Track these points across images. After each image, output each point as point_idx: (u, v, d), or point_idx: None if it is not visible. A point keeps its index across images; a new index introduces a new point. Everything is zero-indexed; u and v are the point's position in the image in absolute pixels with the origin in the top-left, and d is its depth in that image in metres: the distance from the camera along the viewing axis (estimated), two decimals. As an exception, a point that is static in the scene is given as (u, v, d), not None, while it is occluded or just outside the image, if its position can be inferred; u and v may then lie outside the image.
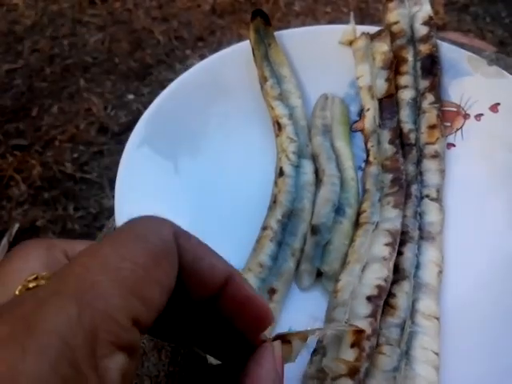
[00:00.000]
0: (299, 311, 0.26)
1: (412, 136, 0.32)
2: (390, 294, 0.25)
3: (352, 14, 0.37)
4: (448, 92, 0.34)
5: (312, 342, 0.23)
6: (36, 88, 1.04)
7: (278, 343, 0.16)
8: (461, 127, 0.33)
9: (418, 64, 0.34)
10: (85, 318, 0.11)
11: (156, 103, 0.30)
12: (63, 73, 1.08)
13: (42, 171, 0.91)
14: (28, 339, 0.10)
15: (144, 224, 0.14)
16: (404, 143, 0.32)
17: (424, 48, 0.34)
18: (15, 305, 0.12)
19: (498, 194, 0.30)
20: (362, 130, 0.35)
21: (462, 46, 0.43)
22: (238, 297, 0.15)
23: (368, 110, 0.34)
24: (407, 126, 0.33)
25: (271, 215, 0.30)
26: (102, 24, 1.18)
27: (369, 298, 0.23)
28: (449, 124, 0.33)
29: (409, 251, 0.27)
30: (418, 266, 0.26)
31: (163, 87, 0.33)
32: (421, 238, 0.28)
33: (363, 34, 0.36)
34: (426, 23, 0.34)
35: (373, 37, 0.36)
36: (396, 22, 0.35)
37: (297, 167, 0.32)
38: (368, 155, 0.33)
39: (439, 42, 0.34)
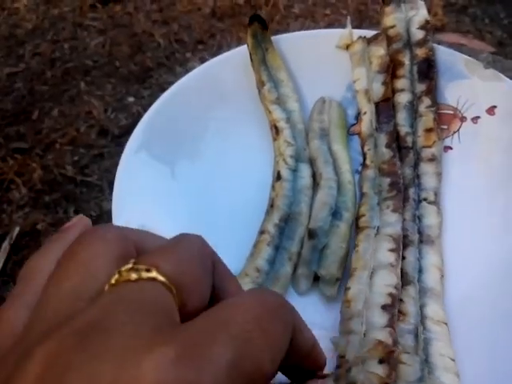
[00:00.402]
0: (296, 315, 0.26)
1: (409, 139, 0.32)
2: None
3: (349, 18, 0.37)
4: (445, 95, 0.34)
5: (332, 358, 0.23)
6: (37, 91, 1.05)
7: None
8: (458, 130, 0.33)
9: (415, 68, 0.34)
10: (243, 367, 0.11)
11: (154, 108, 0.30)
12: (64, 76, 1.08)
13: (42, 174, 0.91)
14: (200, 364, 0.10)
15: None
16: (401, 146, 0.32)
17: (420, 52, 0.34)
18: (176, 328, 0.11)
19: (495, 196, 0.30)
20: (359, 134, 0.35)
21: (460, 46, 0.43)
22: (304, 347, 0.15)
23: (365, 113, 0.34)
24: (404, 129, 0.33)
25: (268, 219, 0.30)
26: (103, 27, 1.18)
27: (383, 307, 0.24)
28: (446, 127, 0.34)
29: (410, 255, 0.27)
30: (420, 270, 0.27)
31: (163, 90, 0.33)
32: (420, 241, 0.28)
33: (360, 37, 0.36)
34: (422, 27, 0.35)
35: (369, 41, 0.36)
36: (392, 26, 0.35)
37: (294, 171, 0.32)
38: (365, 159, 0.33)
39: (436, 45, 0.35)
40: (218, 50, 1.15)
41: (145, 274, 0.12)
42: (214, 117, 0.33)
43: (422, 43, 0.34)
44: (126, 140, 0.30)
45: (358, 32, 0.36)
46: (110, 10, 1.23)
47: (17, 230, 0.85)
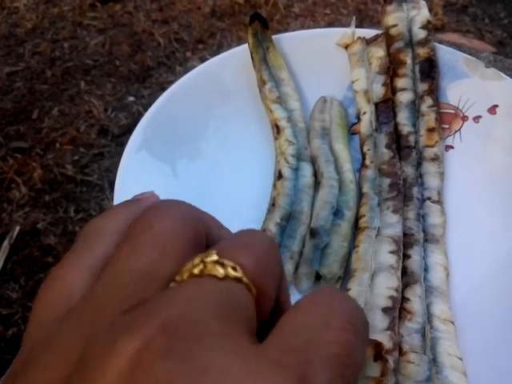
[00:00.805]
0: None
1: (411, 139, 0.32)
2: (404, 299, 0.25)
3: (354, 18, 0.37)
4: (446, 94, 0.34)
5: None
6: (37, 90, 1.05)
7: None
8: (459, 129, 0.33)
9: (417, 67, 0.34)
10: None
11: (154, 108, 0.30)
12: (64, 75, 1.08)
13: (42, 174, 0.91)
14: None
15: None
16: (403, 145, 0.32)
17: (422, 52, 0.34)
18: (270, 346, 0.10)
19: (497, 195, 0.30)
20: (359, 133, 0.35)
21: (460, 46, 0.43)
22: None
23: (364, 113, 0.34)
24: (406, 128, 0.33)
25: (270, 218, 0.30)
26: (103, 27, 1.18)
27: (384, 310, 0.23)
28: (447, 126, 0.34)
29: (416, 254, 0.27)
30: (426, 269, 0.27)
31: (163, 89, 0.33)
32: (425, 240, 0.28)
33: (359, 38, 0.36)
34: (424, 27, 0.35)
35: (369, 41, 0.36)
36: (394, 25, 0.35)
37: (296, 170, 0.32)
38: (364, 159, 0.33)
39: (437, 44, 0.35)
40: (218, 49, 1.15)
41: (232, 273, 0.11)
42: (214, 116, 0.33)
43: (423, 43, 0.34)
44: (126, 139, 0.30)
45: (359, 31, 0.36)
46: (110, 9, 1.24)
47: (17, 229, 0.85)
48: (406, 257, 0.27)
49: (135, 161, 0.28)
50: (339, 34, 0.36)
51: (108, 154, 0.94)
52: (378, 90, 0.34)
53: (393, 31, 0.35)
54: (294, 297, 0.27)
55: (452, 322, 0.24)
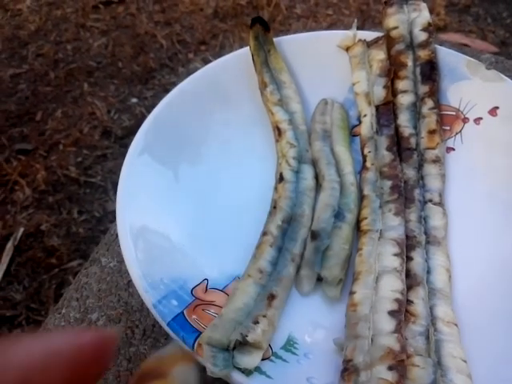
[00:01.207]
0: (299, 316, 0.27)
1: (412, 140, 0.32)
2: (407, 301, 0.25)
3: (355, 21, 0.37)
4: (447, 96, 0.34)
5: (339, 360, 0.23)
6: (40, 92, 1.05)
7: None
8: (460, 131, 0.33)
9: (418, 69, 0.34)
10: None
11: (155, 112, 0.30)
12: (67, 77, 1.08)
13: (46, 175, 0.91)
14: None
15: None
16: (404, 148, 0.32)
17: (423, 54, 0.34)
18: None
19: (498, 197, 0.30)
20: (360, 135, 0.35)
21: (463, 46, 0.43)
22: None
23: (365, 115, 0.35)
24: (407, 130, 0.33)
25: (271, 221, 0.30)
26: (106, 29, 1.19)
27: (391, 313, 0.23)
28: (448, 128, 0.34)
29: (418, 256, 0.27)
30: (428, 271, 0.27)
31: (166, 91, 0.33)
32: (427, 242, 0.28)
33: (360, 40, 0.36)
34: (424, 29, 0.35)
35: (369, 44, 0.36)
36: (395, 28, 0.35)
37: (297, 172, 0.32)
38: (365, 161, 0.33)
39: (438, 46, 0.35)
40: (221, 51, 1.15)
41: None
42: (216, 120, 0.33)
43: (424, 45, 0.34)
44: (130, 141, 0.30)
45: (360, 34, 0.36)
46: (113, 10, 1.24)
47: (21, 230, 0.86)
48: (408, 259, 0.27)
49: (137, 164, 0.28)
50: (340, 37, 0.36)
51: (111, 155, 0.94)
52: (379, 93, 0.34)
53: (394, 33, 0.35)
54: (296, 299, 0.28)
55: (455, 325, 0.24)
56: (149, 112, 0.32)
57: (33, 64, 1.13)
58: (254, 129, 0.35)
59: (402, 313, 0.24)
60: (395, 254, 0.27)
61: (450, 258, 0.28)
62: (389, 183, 0.31)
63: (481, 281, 0.27)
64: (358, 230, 0.30)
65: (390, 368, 0.21)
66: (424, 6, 0.35)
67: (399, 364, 0.21)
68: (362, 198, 0.31)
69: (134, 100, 1.04)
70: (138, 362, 0.27)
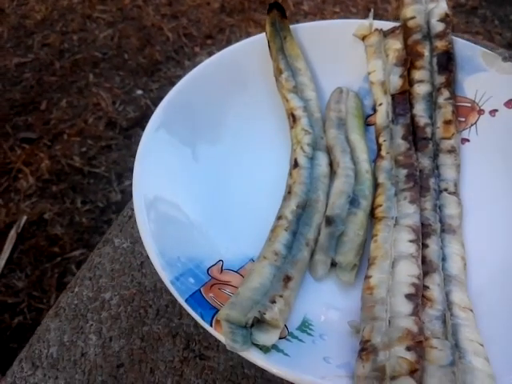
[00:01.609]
0: (314, 299, 0.27)
1: (428, 130, 0.32)
2: (424, 287, 0.25)
3: (372, 10, 0.37)
4: (463, 87, 0.34)
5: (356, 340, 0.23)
6: (45, 82, 1.05)
7: None
8: (475, 123, 0.33)
9: (434, 59, 0.34)
10: None
11: (175, 90, 0.30)
12: (72, 67, 1.08)
13: (50, 164, 0.91)
14: None
15: None
16: (420, 137, 0.32)
17: (440, 44, 0.34)
18: None
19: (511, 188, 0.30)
20: (375, 124, 0.35)
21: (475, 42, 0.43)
22: None
23: (381, 104, 0.35)
24: (423, 119, 0.33)
25: (286, 205, 0.30)
26: (112, 20, 1.19)
27: (408, 296, 0.23)
28: (463, 119, 0.34)
29: (434, 243, 0.27)
30: (443, 259, 0.27)
31: (172, 83, 0.33)
32: (442, 230, 0.28)
33: (376, 30, 0.36)
34: (442, 20, 0.35)
35: (386, 33, 0.36)
36: (412, 18, 0.35)
37: (311, 159, 0.32)
38: (380, 149, 0.33)
39: (454, 37, 0.35)
40: (227, 45, 1.15)
41: None
42: (233, 102, 0.33)
43: (442, 35, 0.34)
44: (134, 132, 0.30)
45: (376, 23, 0.36)
46: (120, 2, 1.24)
47: (24, 219, 0.86)
48: (423, 246, 0.27)
49: (155, 139, 0.28)
50: (356, 25, 0.37)
51: (115, 146, 0.94)
52: (395, 82, 0.34)
53: (411, 23, 0.35)
54: (310, 282, 0.28)
55: (471, 310, 0.24)
56: (154, 104, 0.32)
57: (38, 53, 1.13)
58: (270, 114, 0.35)
59: (419, 297, 0.24)
60: (411, 241, 0.27)
61: (465, 247, 0.28)
62: (404, 172, 0.31)
63: (496, 269, 0.27)
64: (372, 217, 0.30)
65: (409, 349, 0.21)
66: (442, -4, 0.35)
67: (417, 345, 0.21)
68: (376, 186, 0.31)
69: (139, 92, 1.04)
70: (151, 341, 0.27)
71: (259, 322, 0.22)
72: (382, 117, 0.34)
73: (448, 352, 0.21)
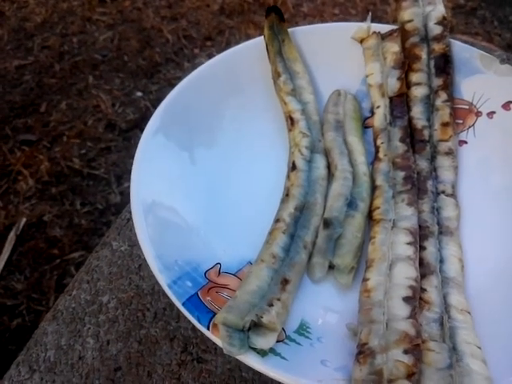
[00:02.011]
0: (311, 302, 0.27)
1: (425, 133, 0.32)
2: (421, 289, 0.25)
3: (370, 13, 0.37)
4: (460, 90, 0.34)
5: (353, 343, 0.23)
6: (45, 84, 1.05)
7: None
8: (473, 125, 0.33)
9: (432, 62, 0.34)
10: None
11: (173, 94, 0.30)
12: (72, 69, 1.08)
13: (49, 166, 0.91)
14: None
15: None
16: (417, 139, 0.32)
17: (438, 47, 0.34)
18: None
19: (509, 190, 0.30)
20: (372, 127, 0.35)
21: (472, 45, 0.43)
22: None
23: (378, 107, 0.35)
24: (420, 122, 0.33)
25: (284, 208, 0.30)
26: (112, 22, 1.19)
27: (405, 299, 0.23)
28: (461, 121, 0.34)
29: (431, 246, 0.27)
30: (441, 261, 0.27)
31: (171, 85, 0.33)
32: (440, 232, 0.28)
33: (374, 32, 0.36)
34: (439, 23, 0.35)
35: (384, 36, 0.36)
36: (410, 21, 0.35)
37: (309, 162, 0.33)
38: (377, 152, 0.33)
39: (452, 40, 0.35)
40: (227, 47, 1.15)
41: None
42: (231, 105, 0.33)
43: (439, 38, 0.34)
44: (134, 134, 0.30)
45: (374, 26, 0.36)
46: (119, 4, 1.24)
47: (23, 220, 0.86)
48: (421, 248, 0.27)
49: (153, 144, 0.28)
50: (354, 28, 0.37)
51: (115, 148, 0.94)
52: (393, 84, 0.34)
53: (408, 26, 0.35)
54: (308, 285, 0.28)
55: (469, 313, 0.24)
56: (153, 106, 0.32)
57: (38, 56, 1.13)
58: (268, 117, 0.35)
59: (417, 300, 0.24)
60: (408, 243, 0.27)
61: (463, 249, 0.28)
62: (402, 174, 0.31)
63: (493, 271, 0.27)
64: (370, 219, 0.30)
65: (406, 352, 0.21)
66: (439, 0, 0.35)
67: (415, 348, 0.21)
68: (374, 188, 0.32)
69: (139, 94, 1.04)
70: (149, 344, 0.27)
71: (256, 326, 0.22)
72: (379, 119, 0.34)
73: (445, 355, 0.21)
